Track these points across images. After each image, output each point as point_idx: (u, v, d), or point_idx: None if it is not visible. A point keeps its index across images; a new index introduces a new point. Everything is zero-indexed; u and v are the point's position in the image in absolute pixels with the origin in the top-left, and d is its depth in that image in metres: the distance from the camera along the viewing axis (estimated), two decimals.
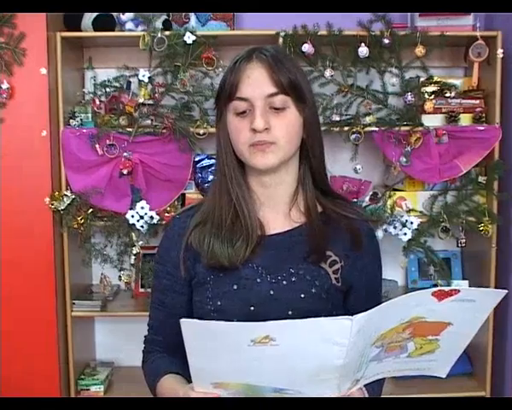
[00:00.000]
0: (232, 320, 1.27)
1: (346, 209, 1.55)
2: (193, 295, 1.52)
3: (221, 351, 1.20)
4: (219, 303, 1.44)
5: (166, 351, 1.47)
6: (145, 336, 1.64)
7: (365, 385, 1.35)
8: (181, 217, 1.59)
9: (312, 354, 1.19)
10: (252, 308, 1.43)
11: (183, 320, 1.17)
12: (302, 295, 1.44)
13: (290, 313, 1.41)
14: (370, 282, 1.55)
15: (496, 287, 2.90)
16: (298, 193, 1.53)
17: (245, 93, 1.41)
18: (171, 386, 1.46)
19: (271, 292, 1.44)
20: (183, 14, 2.96)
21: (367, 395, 1.37)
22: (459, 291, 1.20)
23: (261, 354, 1.18)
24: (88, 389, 3.00)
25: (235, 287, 1.45)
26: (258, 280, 1.45)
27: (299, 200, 1.53)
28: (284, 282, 1.45)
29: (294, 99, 1.43)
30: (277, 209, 1.53)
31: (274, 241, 1.50)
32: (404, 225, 2.83)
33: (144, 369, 1.61)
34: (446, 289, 1.20)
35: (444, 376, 1.36)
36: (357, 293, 1.52)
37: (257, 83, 1.41)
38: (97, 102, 2.85)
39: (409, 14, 2.96)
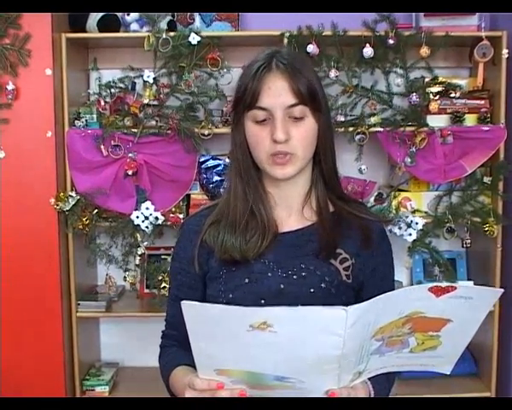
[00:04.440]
0: None
1: (358, 209, 1.59)
2: (206, 289, 1.56)
3: (221, 335, 1.22)
4: (231, 296, 1.48)
5: (181, 345, 1.49)
6: (162, 331, 1.68)
7: (372, 381, 1.38)
8: (196, 216, 1.64)
9: (310, 343, 1.20)
10: (262, 302, 1.46)
11: (183, 302, 1.20)
12: (312, 290, 1.47)
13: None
14: (382, 282, 1.56)
15: (501, 287, 2.89)
16: (310, 192, 1.57)
17: (265, 103, 1.44)
18: (180, 376, 1.49)
19: (282, 286, 1.47)
20: (188, 14, 2.97)
21: (371, 390, 1.39)
22: (456, 288, 1.21)
23: (260, 340, 1.20)
24: (93, 390, 3.00)
25: (246, 280, 1.49)
26: (270, 274, 1.49)
27: (312, 199, 1.57)
28: (295, 277, 1.48)
29: (312, 108, 1.46)
30: (291, 208, 1.57)
31: (286, 238, 1.54)
32: (409, 226, 2.83)
33: (159, 363, 1.64)
34: (443, 285, 1.21)
35: (448, 373, 1.37)
36: (368, 293, 1.49)
37: (277, 93, 1.43)
38: (102, 103, 2.86)
39: (413, 14, 2.95)
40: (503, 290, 1.26)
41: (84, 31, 2.88)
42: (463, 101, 2.89)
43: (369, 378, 1.36)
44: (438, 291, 1.21)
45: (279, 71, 1.45)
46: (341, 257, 1.51)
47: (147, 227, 2.83)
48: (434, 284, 1.21)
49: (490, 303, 1.27)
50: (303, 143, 1.46)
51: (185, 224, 1.67)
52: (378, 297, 1.19)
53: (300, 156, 1.47)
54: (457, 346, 1.33)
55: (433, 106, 2.83)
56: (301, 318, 1.19)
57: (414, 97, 2.81)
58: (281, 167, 1.46)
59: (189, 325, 1.23)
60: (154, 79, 2.81)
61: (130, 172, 2.82)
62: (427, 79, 2.89)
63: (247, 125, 1.49)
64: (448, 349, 1.32)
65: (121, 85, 2.86)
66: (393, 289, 1.58)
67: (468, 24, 2.89)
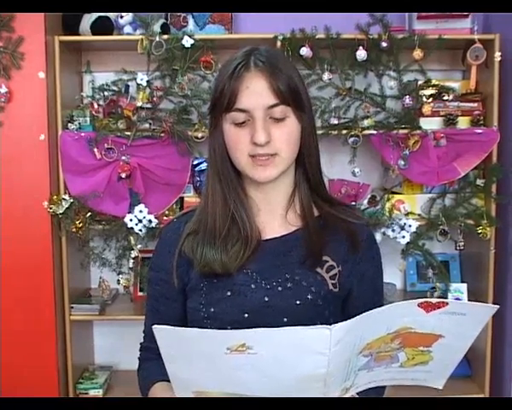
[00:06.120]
0: (226, 328, 1.25)
1: (345, 213, 1.51)
2: (187, 301, 1.49)
3: (197, 359, 1.16)
4: (212, 310, 1.41)
5: (161, 358, 1.39)
6: (140, 344, 1.62)
7: (360, 395, 1.31)
8: (175, 223, 1.55)
9: (293, 364, 1.15)
10: (246, 316, 1.39)
11: (155, 327, 1.13)
12: (298, 302, 1.39)
13: (285, 320, 1.37)
14: (370, 288, 1.50)
15: (494, 290, 2.91)
16: (294, 195, 1.50)
17: (244, 104, 1.36)
18: (158, 394, 1.44)
19: (266, 299, 1.40)
20: (182, 17, 2.97)
21: None
22: (447, 304, 1.16)
23: (239, 363, 1.14)
24: (86, 393, 2.99)
25: (228, 293, 1.41)
26: (253, 286, 1.41)
27: (296, 202, 1.50)
28: (279, 288, 1.41)
29: (294, 108, 1.39)
30: (274, 213, 1.49)
31: (269, 246, 1.46)
32: (402, 228, 2.83)
33: (138, 377, 1.59)
34: (433, 300, 1.15)
35: (440, 387, 1.32)
36: (355, 300, 1.47)
37: (256, 93, 1.36)
38: (95, 106, 2.86)
39: (406, 17, 2.96)
40: (497, 307, 1.19)
41: (78, 34, 2.88)
42: (456, 103, 2.89)
43: (357, 392, 1.30)
44: (428, 307, 1.16)
45: (258, 69, 1.36)
46: (328, 265, 1.44)
47: (140, 230, 2.83)
48: (424, 299, 1.15)
49: (484, 320, 1.20)
50: (286, 144, 1.38)
51: (163, 232, 1.57)
52: (364, 314, 1.13)
53: (284, 157, 1.39)
54: (450, 361, 1.27)
55: (427, 108, 2.84)
56: (283, 338, 1.13)
57: (407, 100, 2.81)
58: (262, 169, 1.38)
59: (163, 350, 1.17)
60: (148, 81, 2.81)
61: (123, 175, 2.81)
62: (420, 82, 2.89)
63: (226, 128, 1.40)
64: (440, 364, 1.27)
65: (114, 88, 2.86)
66: (382, 297, 1.54)
67: (461, 27, 2.90)
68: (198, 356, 1.15)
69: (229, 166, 1.45)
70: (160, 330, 1.14)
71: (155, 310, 1.53)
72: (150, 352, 1.53)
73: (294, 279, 1.42)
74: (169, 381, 1.28)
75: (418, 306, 1.16)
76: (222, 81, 1.39)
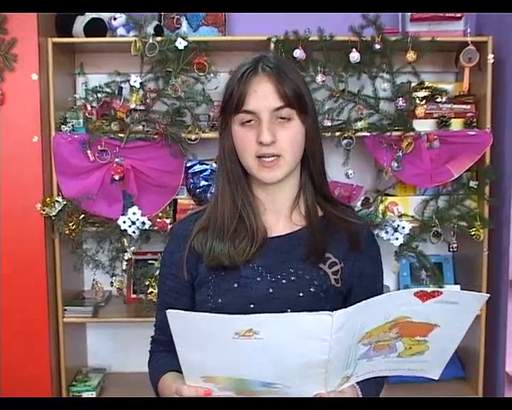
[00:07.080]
0: None
1: (346, 213, 1.60)
2: (195, 295, 1.56)
3: (207, 343, 1.23)
4: (220, 301, 1.48)
5: (171, 350, 1.44)
6: (152, 337, 1.69)
7: (360, 385, 1.38)
8: (185, 221, 1.64)
9: (296, 349, 1.21)
10: (251, 306, 1.46)
11: (169, 311, 1.21)
12: (301, 294, 1.47)
13: (289, 311, 1.43)
14: (369, 286, 1.55)
15: (487, 292, 2.91)
16: (299, 197, 1.58)
17: (251, 106, 1.45)
18: (168, 383, 1.49)
19: (271, 290, 1.48)
20: (175, 19, 2.96)
21: (360, 394, 1.39)
22: (441, 293, 1.22)
23: (246, 348, 1.21)
24: (80, 396, 2.98)
25: (235, 285, 1.49)
26: (259, 279, 1.49)
27: (301, 203, 1.58)
28: (284, 281, 1.48)
29: (298, 111, 1.47)
30: (279, 213, 1.57)
31: (275, 243, 1.54)
32: (395, 230, 2.83)
33: (149, 369, 1.65)
34: (428, 290, 1.22)
35: (436, 378, 1.38)
36: (355, 297, 1.49)
37: (263, 96, 1.45)
38: (89, 108, 2.85)
39: (400, 19, 2.97)
40: (488, 296, 1.26)
41: (71, 35, 2.87)
42: (449, 105, 2.90)
43: (358, 382, 1.36)
44: (423, 296, 1.21)
45: (265, 74, 1.46)
46: (330, 261, 1.52)
47: (134, 232, 2.82)
48: (420, 288, 1.21)
49: (475, 308, 1.27)
50: (290, 146, 1.47)
51: (173, 229, 1.67)
52: (364, 302, 1.19)
53: (288, 159, 1.47)
54: (445, 351, 1.33)
55: (420, 110, 2.84)
56: (287, 324, 1.20)
57: (400, 102, 2.82)
58: (268, 171, 1.47)
59: (175, 334, 1.24)
60: (141, 83, 2.81)
61: (116, 177, 2.81)
62: (413, 84, 2.90)
63: (234, 129, 1.49)
64: (436, 354, 1.32)
65: (108, 90, 2.86)
66: (382, 294, 1.60)
67: (454, 29, 2.91)
68: (208, 340, 1.22)
69: (237, 167, 1.54)
70: (172, 314, 1.22)
71: (165, 304, 1.57)
72: (161, 344, 1.62)
73: (298, 273, 1.50)
74: (178, 371, 1.36)
75: (414, 295, 1.22)
76: (232, 85, 1.50)
